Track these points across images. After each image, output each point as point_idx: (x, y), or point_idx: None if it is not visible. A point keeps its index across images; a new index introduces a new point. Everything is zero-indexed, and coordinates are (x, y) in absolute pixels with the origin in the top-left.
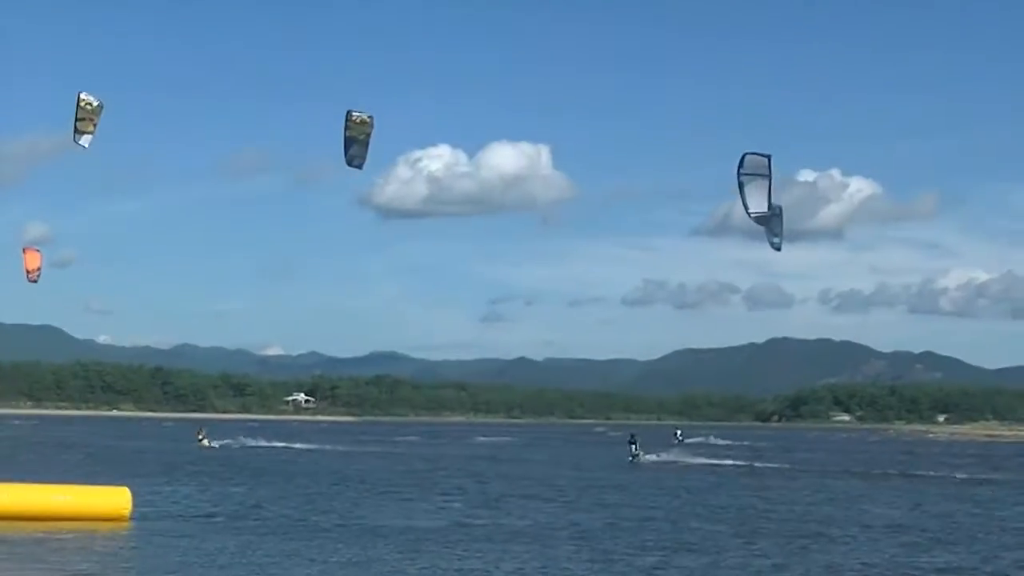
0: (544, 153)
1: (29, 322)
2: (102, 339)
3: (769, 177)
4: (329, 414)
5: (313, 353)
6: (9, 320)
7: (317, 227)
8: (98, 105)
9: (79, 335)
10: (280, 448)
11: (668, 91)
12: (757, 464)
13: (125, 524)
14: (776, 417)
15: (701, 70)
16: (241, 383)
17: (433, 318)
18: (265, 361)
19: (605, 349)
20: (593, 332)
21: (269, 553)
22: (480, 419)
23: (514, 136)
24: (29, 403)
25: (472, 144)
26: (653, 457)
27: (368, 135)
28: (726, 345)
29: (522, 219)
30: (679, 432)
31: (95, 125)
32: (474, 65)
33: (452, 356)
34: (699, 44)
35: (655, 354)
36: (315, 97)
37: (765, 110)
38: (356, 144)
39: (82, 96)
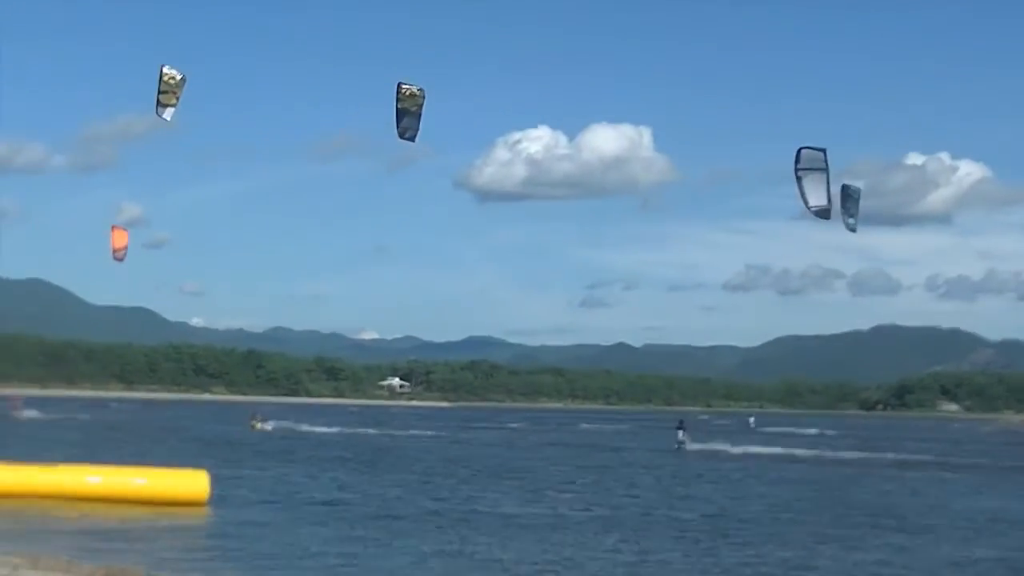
0: (646, 135)
1: (122, 304)
2: (195, 321)
3: (826, 171)
4: (424, 399)
5: (409, 337)
6: (102, 302)
7: (413, 210)
8: (181, 78)
9: (172, 317)
10: (347, 433)
11: (772, 70)
12: (799, 452)
13: (203, 508)
14: (881, 406)
15: (806, 49)
16: (335, 367)
17: (530, 303)
18: (360, 345)
19: (706, 335)
20: (694, 318)
21: (354, 539)
22: (577, 405)
23: (615, 117)
24: (120, 386)
25: (572, 126)
26: (699, 446)
27: (420, 107)
28: (830, 332)
29: (622, 202)
30: (752, 420)
31: (178, 98)
32: (575, 45)
33: (550, 341)
34: (803, 22)
35: (757, 341)
36: (410, 79)
37: (871, 92)
38: (408, 116)
39: (165, 69)
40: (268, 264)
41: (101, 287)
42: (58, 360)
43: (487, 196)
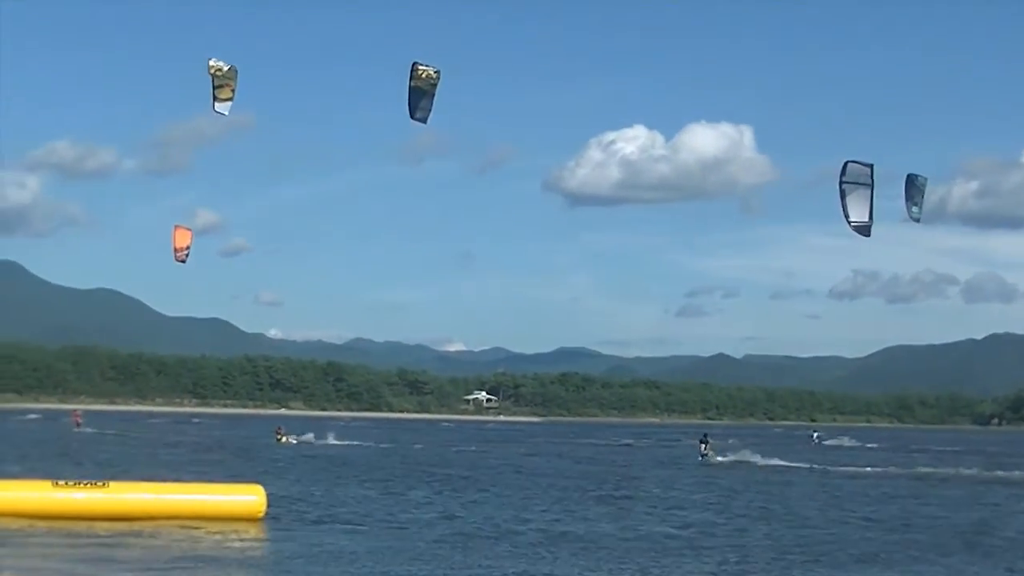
0: (746, 134)
1: (195, 315)
2: (272, 333)
3: (871, 186)
4: (512, 413)
5: (497, 349)
6: (175, 313)
7: (501, 214)
8: (229, 69)
9: (248, 329)
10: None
11: (877, 68)
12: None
13: (258, 524)
14: (996, 420)
15: (911, 47)
16: (418, 380)
17: (625, 312)
18: (446, 357)
19: (810, 345)
20: (797, 327)
21: (413, 558)
22: (674, 420)
23: (714, 116)
24: (194, 400)
25: (669, 125)
26: (721, 458)
27: (434, 87)
28: (942, 341)
29: (721, 205)
30: (816, 434)
31: (233, 91)
32: (672, 41)
33: (645, 353)
34: (911, 18)
35: (864, 351)
36: (498, 78)
37: (985, 89)
38: (423, 97)
39: (211, 62)
40: (349, 272)
41: (174, 297)
42: (129, 373)
43: (579, 200)
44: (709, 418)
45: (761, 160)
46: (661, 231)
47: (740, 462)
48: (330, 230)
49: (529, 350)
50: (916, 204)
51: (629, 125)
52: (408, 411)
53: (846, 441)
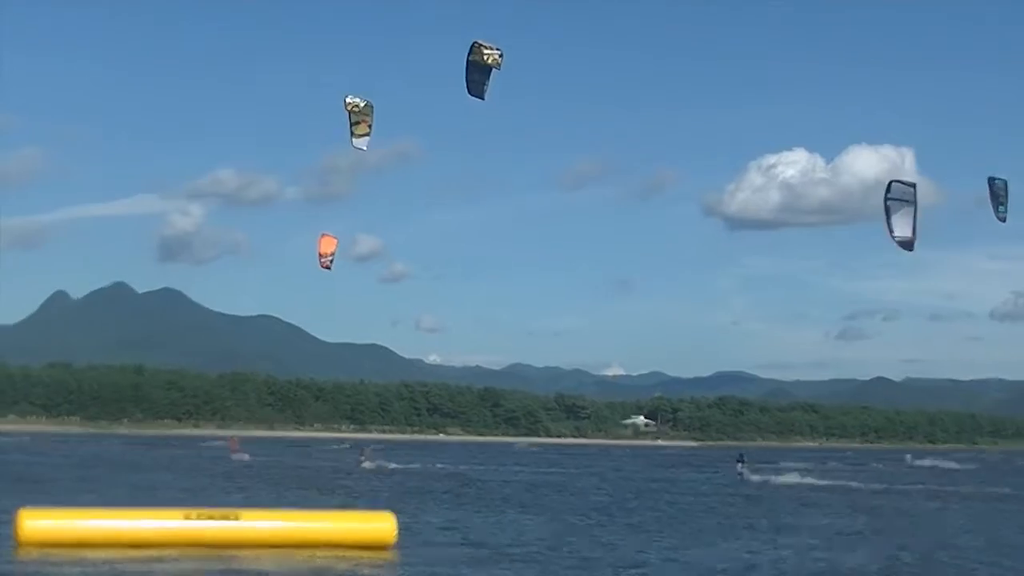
0: (908, 157)
1: (355, 341)
2: (431, 359)
3: (914, 204)
4: (670, 438)
5: (655, 373)
6: (334, 339)
7: (660, 239)
8: (366, 105)
9: (407, 354)
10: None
11: None
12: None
13: (389, 552)
14: None
15: None
16: (576, 405)
17: (784, 335)
18: (604, 382)
19: (971, 368)
20: (958, 349)
21: None
22: (832, 444)
23: (875, 138)
24: (352, 426)
25: (830, 148)
26: (757, 478)
27: (497, 65)
28: None
29: (881, 228)
30: (909, 456)
31: (370, 126)
32: (833, 64)
33: (804, 376)
34: None
35: None
36: (657, 103)
37: None
38: (481, 73)
39: (348, 99)
40: (508, 298)
41: (334, 324)
42: (287, 399)
43: (739, 223)
44: (868, 442)
45: (924, 183)
46: (821, 254)
47: (766, 481)
48: (490, 256)
49: (687, 374)
50: (1002, 204)
51: (789, 148)
52: (565, 436)
53: (942, 463)
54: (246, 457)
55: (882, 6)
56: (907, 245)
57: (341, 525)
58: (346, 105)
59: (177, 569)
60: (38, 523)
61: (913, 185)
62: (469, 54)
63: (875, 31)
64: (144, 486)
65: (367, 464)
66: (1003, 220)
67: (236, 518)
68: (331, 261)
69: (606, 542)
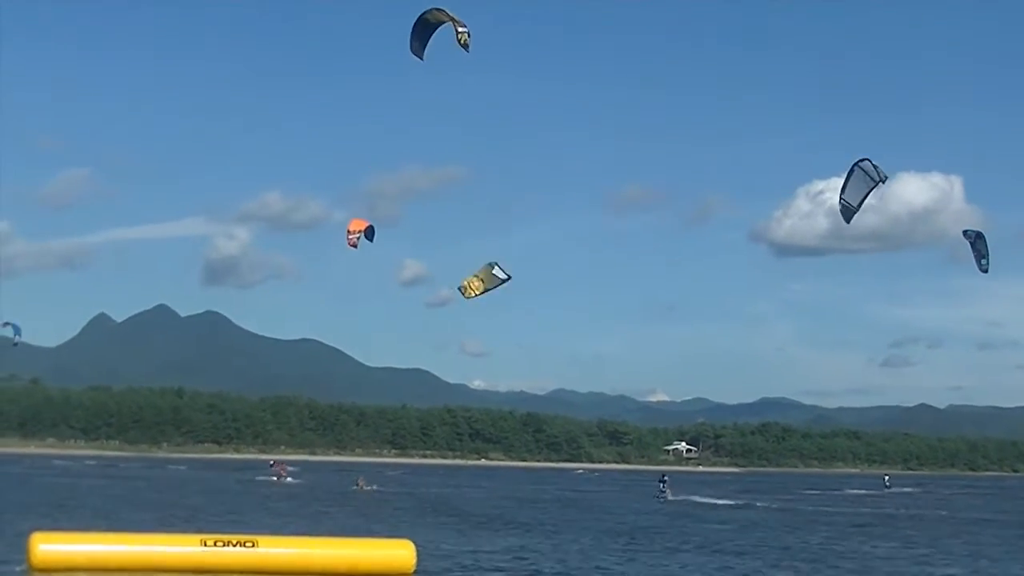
0: (957, 185)
1: (398, 365)
2: (475, 384)
3: (875, 186)
4: (712, 464)
5: (699, 399)
6: (377, 363)
7: (706, 265)
8: (507, 278)
9: (451, 379)
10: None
11: None
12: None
13: None
14: None
15: None
16: (618, 431)
17: (829, 362)
18: (648, 408)
19: (1016, 395)
20: (1004, 377)
21: None
22: (874, 470)
23: (924, 166)
24: (393, 451)
25: None
26: (677, 497)
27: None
28: None
29: (929, 256)
30: (887, 478)
31: (487, 289)
32: (883, 91)
33: (848, 403)
34: None
35: None
36: (706, 130)
37: None
38: (429, 32)
39: (495, 271)
40: (554, 323)
41: (377, 348)
42: (328, 424)
43: (785, 250)
44: (910, 468)
45: (971, 211)
46: (867, 281)
47: (685, 500)
48: (537, 281)
49: (731, 400)
50: (984, 258)
51: (838, 174)
52: (607, 461)
53: (908, 486)
54: (288, 480)
55: (935, 34)
56: (847, 212)
57: (360, 552)
58: (492, 274)
59: None
60: (51, 547)
61: (886, 178)
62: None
63: (926, 58)
64: (179, 509)
65: (363, 487)
66: (985, 271)
67: (254, 544)
68: (358, 239)
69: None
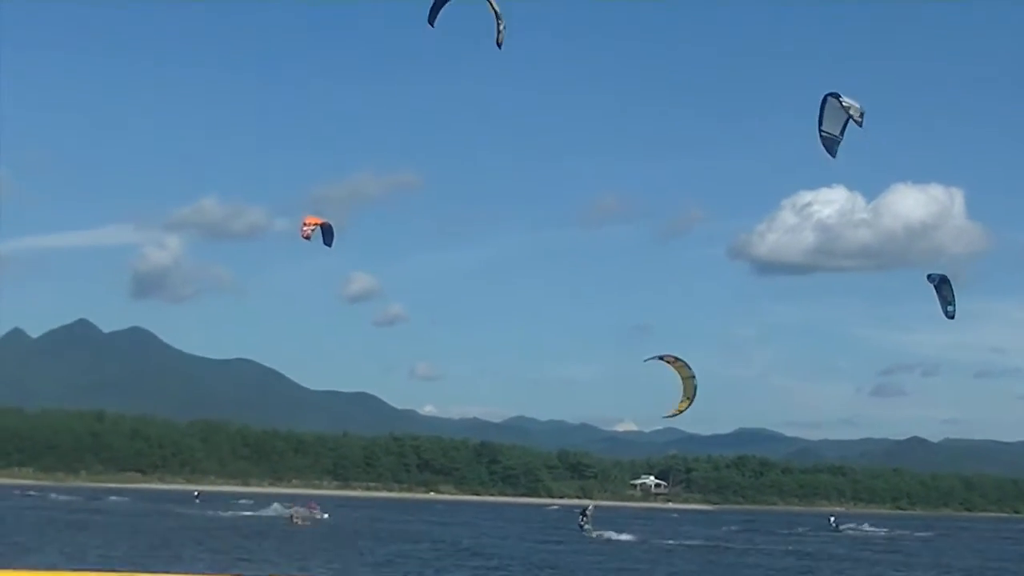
0: (958, 198)
1: (341, 389)
2: (426, 410)
3: (850, 119)
4: (683, 500)
5: (671, 429)
6: (318, 387)
7: (682, 283)
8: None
9: (399, 404)
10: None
11: None
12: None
13: None
14: None
15: None
16: (581, 463)
17: (813, 391)
18: (615, 438)
19: (1016, 429)
20: (1003, 409)
21: None
22: (860, 509)
23: (922, 177)
24: (334, 482)
25: (872, 186)
26: (599, 532)
27: None
28: None
29: (924, 276)
30: (833, 518)
31: None
32: (879, 92)
33: (833, 435)
34: None
35: None
36: (687, 138)
37: None
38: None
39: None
40: (513, 345)
41: (319, 369)
42: (263, 452)
43: (768, 267)
44: (900, 507)
45: (973, 227)
46: (857, 303)
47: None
48: (497, 299)
49: (706, 431)
50: (950, 304)
51: (828, 185)
52: (568, 496)
53: (866, 527)
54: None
55: (939, 38)
56: (830, 142)
57: None
58: None
59: None
60: None
61: (863, 113)
62: None
63: (929, 61)
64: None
65: (299, 521)
66: (951, 317)
67: None
68: (312, 231)
69: None
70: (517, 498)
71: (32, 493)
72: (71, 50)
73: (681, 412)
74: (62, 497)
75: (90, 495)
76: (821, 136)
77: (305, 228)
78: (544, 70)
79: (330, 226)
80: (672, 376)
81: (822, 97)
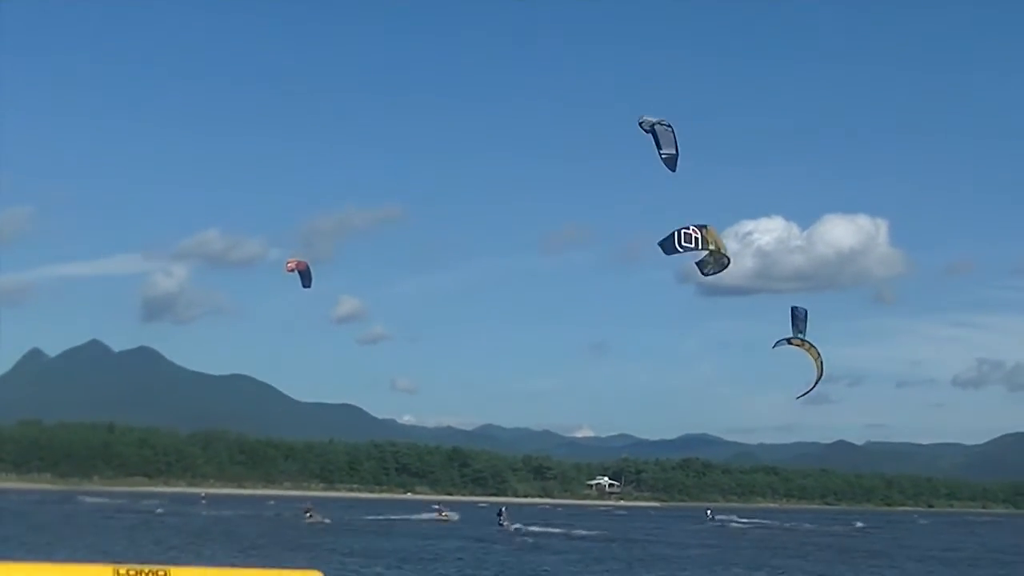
0: (882, 227)
1: (328, 401)
2: (405, 419)
3: (671, 129)
4: (634, 499)
5: (624, 435)
6: (307, 399)
7: (634, 304)
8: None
9: (380, 415)
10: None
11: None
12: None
13: None
14: None
15: None
16: (543, 466)
17: (750, 400)
18: (573, 443)
19: (931, 433)
20: (920, 415)
21: None
22: (792, 505)
23: (850, 208)
24: (321, 485)
25: (807, 216)
26: (518, 525)
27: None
28: None
29: (852, 296)
30: (709, 511)
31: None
32: (811, 130)
33: (768, 439)
34: None
35: (984, 439)
36: (639, 169)
37: None
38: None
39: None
40: (483, 360)
41: (308, 383)
42: (257, 458)
43: (712, 290)
44: (827, 503)
45: (895, 253)
46: (790, 320)
47: (519, 528)
48: (468, 319)
49: (655, 436)
50: (801, 332)
51: (767, 215)
52: (532, 496)
53: (735, 519)
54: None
55: (857, 75)
56: (671, 162)
57: None
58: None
59: None
60: None
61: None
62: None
63: (852, 99)
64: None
65: (312, 519)
66: (801, 344)
67: (165, 575)
68: (294, 268)
69: None
70: (486, 497)
71: (88, 500)
72: (92, 89)
73: (810, 391)
74: (92, 500)
75: (109, 498)
76: (663, 159)
77: (288, 265)
78: (512, 103)
79: (308, 269)
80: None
81: (646, 130)
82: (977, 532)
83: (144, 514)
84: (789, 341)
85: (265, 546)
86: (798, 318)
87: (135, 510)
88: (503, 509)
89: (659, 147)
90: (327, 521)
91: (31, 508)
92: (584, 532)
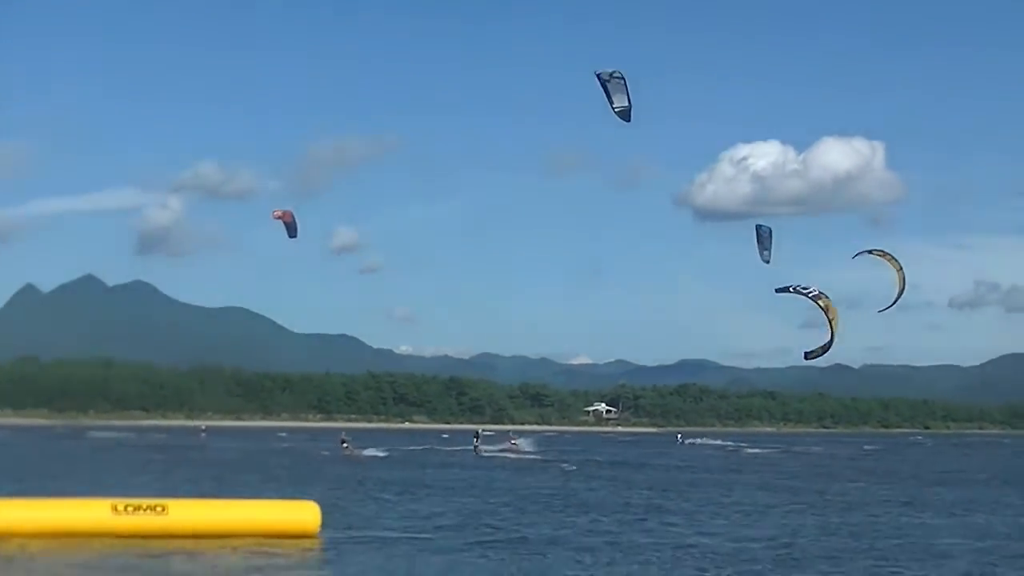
0: (879, 150)
1: (325, 331)
2: (402, 349)
3: (623, 80)
4: (632, 425)
5: (621, 362)
6: (304, 330)
7: (631, 229)
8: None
9: (377, 345)
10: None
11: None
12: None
13: (313, 541)
14: None
15: None
16: (540, 393)
17: (748, 325)
18: (571, 371)
19: (928, 355)
20: (917, 337)
21: (475, 572)
22: (790, 429)
23: (848, 131)
24: (319, 415)
25: (803, 139)
26: (491, 448)
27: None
28: None
29: (849, 220)
30: (680, 436)
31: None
32: (804, 53)
33: (766, 364)
34: None
35: (980, 360)
36: (639, 92)
37: None
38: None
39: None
40: (480, 287)
41: (305, 315)
42: (254, 391)
43: (708, 215)
44: (824, 427)
45: (892, 176)
46: (788, 245)
47: (497, 454)
48: (465, 246)
49: (652, 362)
50: (767, 249)
51: (763, 139)
52: (529, 423)
53: (703, 440)
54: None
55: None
56: (625, 114)
57: (265, 515)
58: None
59: (100, 561)
60: None
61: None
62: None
63: (852, 22)
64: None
65: (351, 451)
66: (767, 262)
67: (163, 509)
68: (279, 216)
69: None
70: (484, 425)
71: (105, 433)
72: (79, 21)
73: (894, 304)
74: (101, 435)
75: (115, 432)
76: (616, 112)
77: (275, 213)
78: (514, 38)
79: (294, 220)
80: (618, 309)
81: (599, 83)
82: (991, 452)
83: (173, 448)
84: (871, 252)
85: (318, 480)
86: (762, 236)
87: (156, 444)
88: (479, 432)
89: (611, 101)
90: (374, 452)
91: (46, 443)
92: (600, 459)
